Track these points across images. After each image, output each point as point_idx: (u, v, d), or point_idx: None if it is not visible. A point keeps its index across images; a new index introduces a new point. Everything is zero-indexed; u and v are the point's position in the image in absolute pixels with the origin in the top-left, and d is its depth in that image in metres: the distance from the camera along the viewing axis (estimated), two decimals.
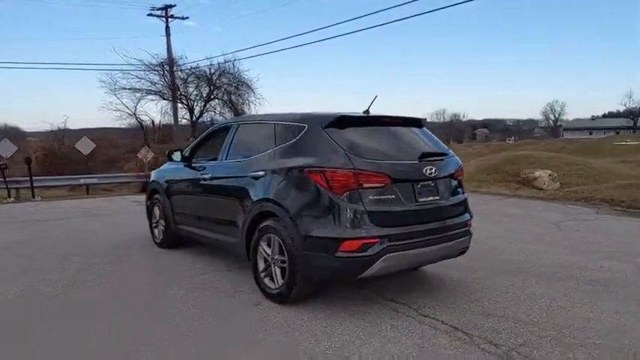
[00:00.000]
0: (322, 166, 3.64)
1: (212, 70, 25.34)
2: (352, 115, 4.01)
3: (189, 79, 25.19)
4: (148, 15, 27.13)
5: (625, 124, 76.79)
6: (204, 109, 26.18)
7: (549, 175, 12.27)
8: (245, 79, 25.58)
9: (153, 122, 27.25)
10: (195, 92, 25.76)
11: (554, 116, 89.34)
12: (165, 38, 27.09)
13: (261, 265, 4.17)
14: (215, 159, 5.11)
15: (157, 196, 6.11)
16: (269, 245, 4.07)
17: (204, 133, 5.61)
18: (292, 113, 4.31)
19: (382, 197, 3.62)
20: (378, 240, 3.51)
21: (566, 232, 7.01)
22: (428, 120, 4.64)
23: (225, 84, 25.74)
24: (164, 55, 25.50)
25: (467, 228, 4.17)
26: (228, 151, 4.85)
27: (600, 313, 3.78)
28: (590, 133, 77.16)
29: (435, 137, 4.38)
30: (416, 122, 4.34)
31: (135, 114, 26.35)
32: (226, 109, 26.41)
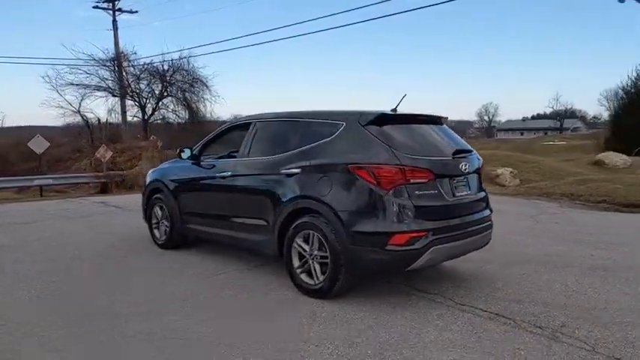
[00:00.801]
0: (369, 162, 3.75)
1: (165, 67, 24.57)
2: (390, 113, 4.14)
3: (142, 75, 24.25)
4: (93, 7, 25.96)
5: (553, 125, 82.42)
6: (157, 106, 25.31)
7: (510, 172, 13.05)
8: (200, 76, 25.01)
9: (99, 120, 25.90)
10: (147, 89, 24.84)
11: (489, 117, 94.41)
12: (112, 32, 26.07)
13: (296, 262, 4.20)
14: (233, 156, 5.08)
15: (158, 196, 5.93)
16: (306, 242, 4.11)
17: (216, 131, 5.53)
18: (324, 111, 4.38)
19: (426, 192, 3.78)
20: (425, 233, 3.67)
21: (545, 225, 7.54)
22: None
23: (180, 81, 25.03)
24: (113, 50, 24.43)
25: (490, 222, 4.42)
26: (251, 148, 4.83)
27: (613, 294, 4.15)
28: (522, 134, 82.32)
29: (455, 134, 4.60)
30: (439, 120, 4.54)
31: (80, 111, 24.96)
32: (180, 107, 25.70)
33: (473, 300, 4.01)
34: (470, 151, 4.38)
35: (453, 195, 3.97)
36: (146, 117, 25.13)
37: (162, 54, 25.27)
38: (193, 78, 25.02)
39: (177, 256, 5.57)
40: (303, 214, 4.12)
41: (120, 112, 25.64)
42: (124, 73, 24.36)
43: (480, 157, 4.58)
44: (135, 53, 24.58)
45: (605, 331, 3.38)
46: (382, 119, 4.00)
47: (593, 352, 3.06)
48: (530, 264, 5.12)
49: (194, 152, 5.45)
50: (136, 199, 11.92)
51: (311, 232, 4.05)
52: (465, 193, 4.11)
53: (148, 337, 3.33)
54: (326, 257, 3.94)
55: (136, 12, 27.71)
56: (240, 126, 5.21)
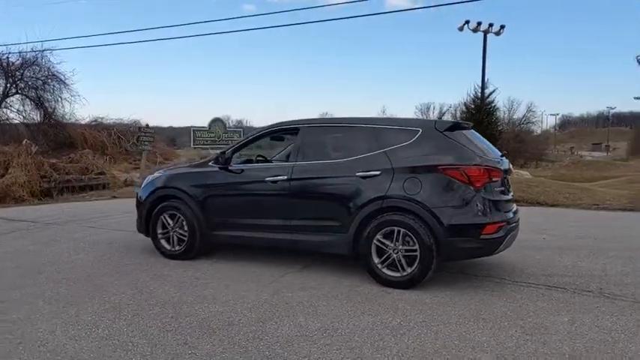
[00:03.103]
0: (460, 163, 4.32)
1: (12, 60, 21.08)
2: (459, 121, 4.77)
3: None
4: None
5: None
6: (1, 105, 21.51)
7: None
8: (57, 72, 22.02)
9: None
10: None
11: None
12: None
13: (376, 258, 4.53)
14: (260, 161, 5.49)
15: (169, 203, 5.56)
16: (386, 237, 4.48)
17: (248, 137, 5.50)
18: (395, 118, 4.84)
19: (499, 189, 4.51)
20: (504, 223, 4.39)
21: None
22: None
23: (31, 77, 21.70)
24: None
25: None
26: (305, 153, 4.97)
27: (596, 265, 5.36)
28: None
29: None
30: (472, 126, 5.28)
31: None
32: (29, 107, 22.27)
33: (519, 278, 4.84)
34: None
35: (509, 191, 4.77)
36: None
37: (6, 45, 21.66)
38: (48, 74, 21.98)
39: (207, 265, 5.32)
40: (385, 212, 4.48)
41: None
42: None
43: None
44: None
45: (629, 289, 4.49)
46: (453, 126, 4.61)
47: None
48: (515, 249, 6.13)
49: (226, 157, 5.32)
50: (34, 212, 10.33)
51: (396, 228, 4.43)
52: (509, 189, 4.94)
53: (304, 338, 3.38)
54: (413, 250, 4.37)
55: None
56: (288, 130, 5.33)
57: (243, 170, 5.32)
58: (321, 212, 4.81)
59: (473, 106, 24.57)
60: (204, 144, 21.79)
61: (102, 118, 24.12)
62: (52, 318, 3.76)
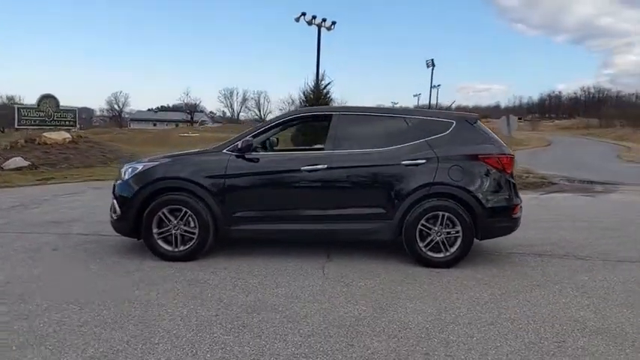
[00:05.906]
0: (496, 153, 4.88)
1: None
2: (477, 115, 5.31)
3: None
4: None
5: (185, 118, 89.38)
6: None
7: None
8: None
9: None
10: None
11: (119, 106, 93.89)
12: None
13: (420, 241, 4.81)
14: (310, 149, 5.09)
15: (169, 197, 4.80)
16: (429, 221, 4.79)
17: (274, 123, 5.10)
18: (425, 110, 5.09)
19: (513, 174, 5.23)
20: (520, 204, 5.13)
21: None
22: None
23: None
24: None
25: None
26: (345, 141, 4.93)
27: (564, 235, 6.56)
28: (154, 125, 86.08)
29: None
30: None
31: None
32: None
33: (514, 249, 5.66)
34: None
35: None
36: None
37: None
38: None
39: (227, 263, 4.77)
40: (431, 198, 4.78)
41: None
42: None
43: None
44: None
45: (591, 251, 5.69)
46: (477, 119, 5.14)
47: (606, 260, 5.31)
48: None
49: (248, 143, 4.84)
50: None
51: (440, 212, 4.78)
52: None
53: (441, 322, 3.51)
54: (455, 232, 4.78)
55: None
56: (310, 118, 5.13)
57: (269, 159, 5.00)
58: (365, 200, 4.83)
59: (312, 96, 25.94)
60: (31, 124, 18.09)
61: None
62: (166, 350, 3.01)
